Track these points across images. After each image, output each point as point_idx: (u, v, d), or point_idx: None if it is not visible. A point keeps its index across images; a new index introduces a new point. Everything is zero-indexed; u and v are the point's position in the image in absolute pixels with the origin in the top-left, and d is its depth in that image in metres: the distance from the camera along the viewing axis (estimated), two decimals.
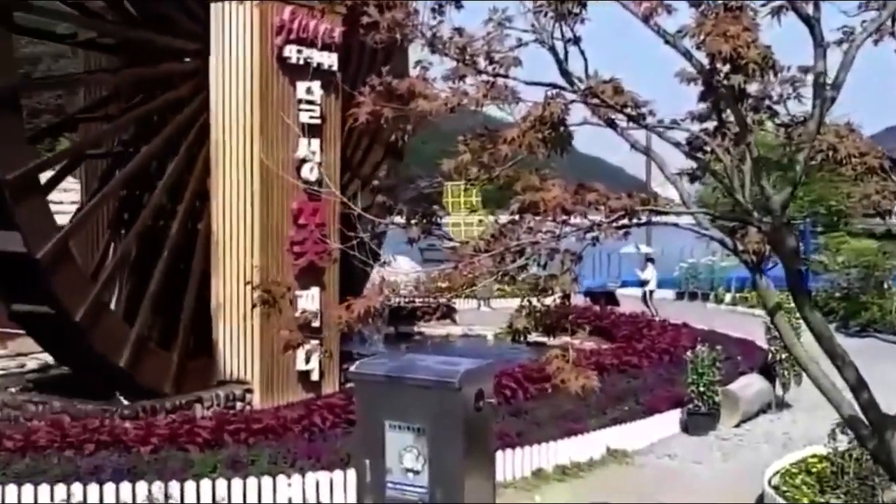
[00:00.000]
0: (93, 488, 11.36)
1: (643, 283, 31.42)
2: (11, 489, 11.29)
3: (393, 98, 6.75)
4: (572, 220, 6.12)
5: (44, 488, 11.32)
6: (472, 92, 6.47)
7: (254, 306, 9.87)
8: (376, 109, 6.66)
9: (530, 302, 6.31)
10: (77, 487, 11.36)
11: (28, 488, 11.32)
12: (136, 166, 16.87)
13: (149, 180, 17.77)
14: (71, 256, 15.46)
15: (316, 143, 16.88)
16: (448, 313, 27.34)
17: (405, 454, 8.31)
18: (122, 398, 15.76)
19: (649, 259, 32.20)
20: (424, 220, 6.90)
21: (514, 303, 6.91)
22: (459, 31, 6.60)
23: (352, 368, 9.11)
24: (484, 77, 6.51)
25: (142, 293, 16.83)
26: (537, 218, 6.05)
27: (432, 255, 17.28)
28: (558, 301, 6.25)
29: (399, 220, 7.25)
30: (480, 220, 13.92)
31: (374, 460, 8.47)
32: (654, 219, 6.35)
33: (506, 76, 6.45)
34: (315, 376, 17.20)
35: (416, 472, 8.27)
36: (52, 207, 15.51)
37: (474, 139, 6.71)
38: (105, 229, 18.73)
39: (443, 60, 6.72)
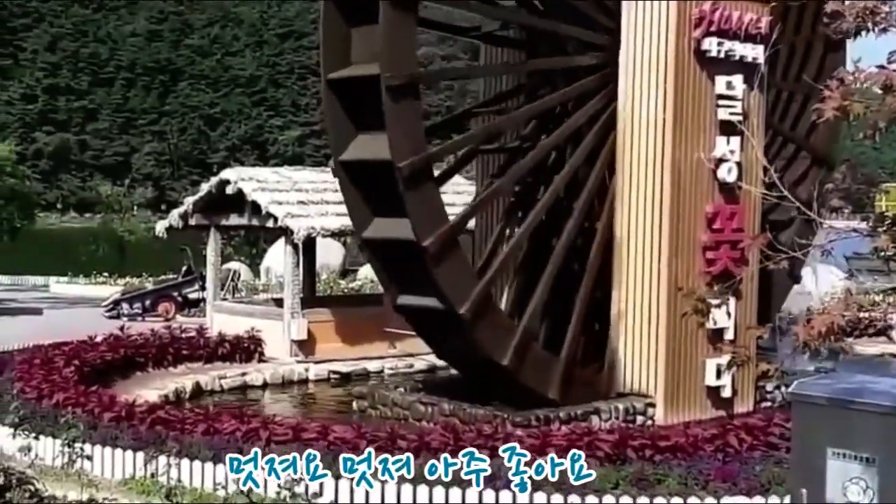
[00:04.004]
0: (488, 494, 11.77)
1: None
2: (406, 489, 11.93)
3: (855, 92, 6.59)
4: None
5: (439, 490, 11.87)
6: None
7: (683, 315, 9.83)
8: (844, 105, 6.53)
9: None
10: (472, 492, 11.79)
11: (422, 490, 11.92)
12: (533, 160, 17.35)
13: (546, 176, 18.18)
14: (459, 250, 16.10)
15: (736, 141, 16.69)
16: (883, 330, 26.06)
17: (850, 486, 8.08)
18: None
19: None
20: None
21: None
22: None
23: (790, 389, 8.95)
24: None
25: (531, 292, 17.17)
26: None
27: (859, 263, 16.57)
28: None
29: (861, 226, 7.03)
30: None
31: (812, 490, 8.29)
32: None
33: None
34: (726, 393, 17.03)
35: None
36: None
37: None
38: (496, 226, 19.24)
39: None
